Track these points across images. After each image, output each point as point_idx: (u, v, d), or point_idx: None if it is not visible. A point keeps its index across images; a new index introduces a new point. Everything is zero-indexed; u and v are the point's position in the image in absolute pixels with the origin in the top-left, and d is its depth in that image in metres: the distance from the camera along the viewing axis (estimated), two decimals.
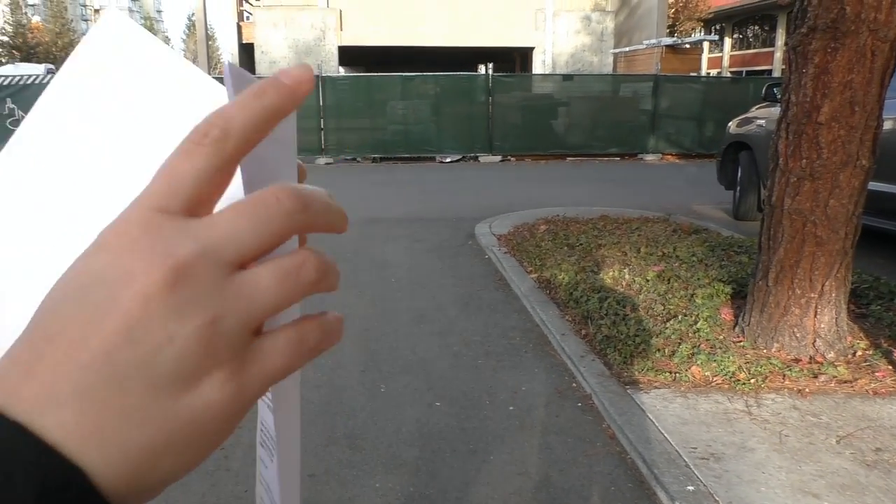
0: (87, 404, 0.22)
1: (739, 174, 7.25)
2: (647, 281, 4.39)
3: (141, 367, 0.23)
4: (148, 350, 0.23)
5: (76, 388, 0.22)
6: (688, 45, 17.77)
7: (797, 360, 3.22)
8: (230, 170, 0.26)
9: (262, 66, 18.94)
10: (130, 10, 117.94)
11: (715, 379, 3.09)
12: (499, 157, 14.19)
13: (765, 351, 3.32)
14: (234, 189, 0.28)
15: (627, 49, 18.98)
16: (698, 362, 3.20)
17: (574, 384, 3.23)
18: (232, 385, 0.24)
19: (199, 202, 0.25)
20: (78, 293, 0.23)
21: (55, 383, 0.22)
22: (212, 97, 0.36)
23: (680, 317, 3.75)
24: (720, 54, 37.22)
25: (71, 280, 0.24)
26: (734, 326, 3.62)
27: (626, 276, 4.52)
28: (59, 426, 0.22)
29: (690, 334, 3.53)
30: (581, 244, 5.56)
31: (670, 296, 4.09)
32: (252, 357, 0.25)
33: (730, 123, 7.69)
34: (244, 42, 21.07)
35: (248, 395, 0.25)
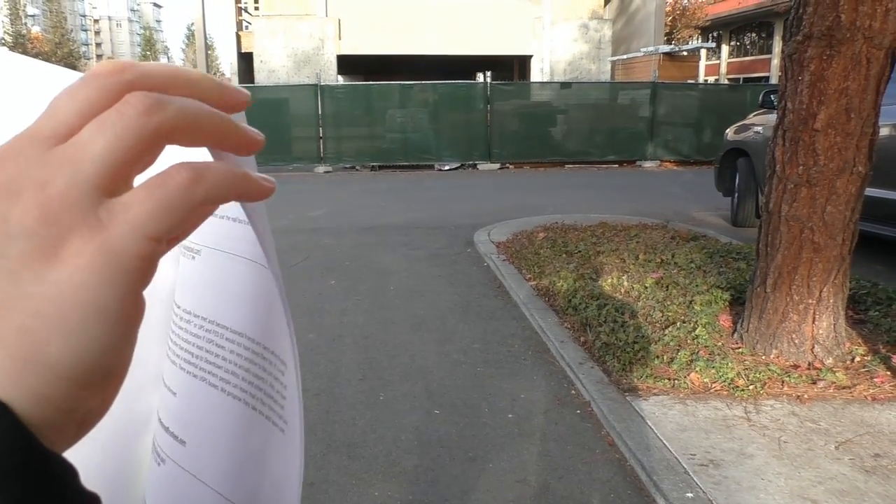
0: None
1: (737, 181, 7.27)
2: (646, 288, 4.40)
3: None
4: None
5: None
6: (685, 53, 17.86)
7: (796, 367, 3.22)
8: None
9: (260, 74, 18.98)
10: (130, 21, 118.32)
11: (714, 385, 3.09)
12: (497, 165, 14.21)
13: (763, 357, 3.32)
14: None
15: (625, 57, 19.06)
16: (697, 369, 3.20)
17: (573, 391, 3.23)
18: (93, 244, 0.23)
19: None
20: None
21: None
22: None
23: (678, 323, 3.75)
24: (717, 61, 37.34)
25: None
26: (733, 333, 3.62)
27: (625, 283, 4.53)
28: None
29: (689, 341, 3.54)
30: (580, 251, 5.56)
31: (669, 303, 4.10)
32: (109, 212, 0.23)
33: (727, 130, 7.72)
34: (243, 51, 21.11)
35: (120, 249, 0.23)
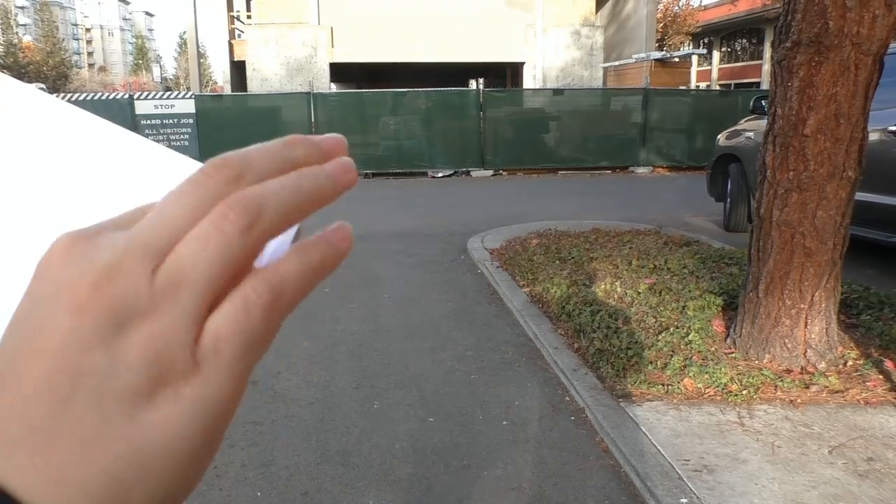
0: (39, 441, 0.20)
1: (729, 186, 7.30)
2: (639, 294, 4.41)
3: (84, 389, 0.21)
4: (88, 368, 0.21)
5: (26, 425, 0.20)
6: (677, 59, 17.92)
7: (788, 371, 3.23)
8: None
9: (253, 83, 18.98)
10: (122, 30, 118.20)
11: (707, 391, 3.10)
12: (491, 172, 14.24)
13: (756, 362, 3.33)
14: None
15: (617, 63, 19.13)
16: (690, 374, 3.21)
17: (567, 398, 3.23)
18: (189, 390, 0.22)
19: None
20: (18, 324, 0.22)
21: (5, 424, 0.20)
22: (93, 133, 0.35)
23: (672, 329, 3.76)
24: (709, 67, 37.58)
25: (14, 315, 0.22)
26: (726, 338, 3.63)
27: (618, 289, 4.54)
28: (17, 470, 0.20)
29: (682, 346, 3.54)
30: (573, 257, 5.57)
31: (662, 308, 4.11)
32: (204, 353, 0.22)
33: (719, 136, 7.75)
34: (236, 59, 21.12)
35: (216, 396, 0.22)
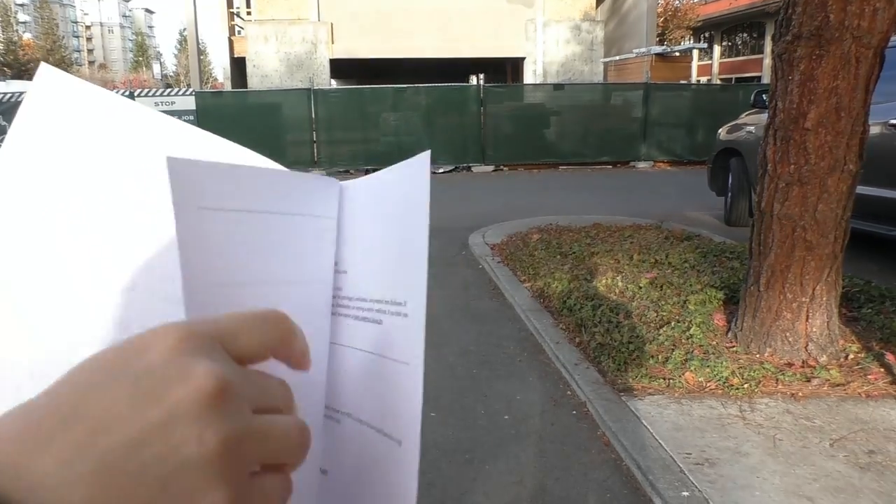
0: (98, 489, 0.22)
1: (730, 180, 7.30)
2: (640, 288, 4.41)
3: (164, 462, 0.23)
4: (176, 445, 0.23)
5: (95, 468, 0.22)
6: (677, 53, 17.90)
7: (790, 365, 3.24)
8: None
9: (253, 79, 18.96)
10: (122, 27, 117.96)
11: (708, 384, 3.10)
12: (491, 167, 14.24)
13: (758, 355, 3.34)
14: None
15: (618, 58, 19.11)
16: (692, 368, 3.21)
17: (569, 392, 3.23)
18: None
19: (245, 361, 0.28)
20: (124, 379, 0.24)
21: (73, 461, 0.22)
22: (151, 129, 0.36)
23: (673, 323, 3.76)
24: (710, 62, 37.49)
25: (112, 365, 0.24)
26: (727, 332, 3.64)
27: (619, 284, 4.54)
28: (41, 475, 0.21)
29: (684, 340, 3.55)
30: (574, 252, 5.58)
31: (663, 302, 4.11)
32: (249, 491, 0.26)
33: (720, 130, 7.74)
34: (236, 56, 21.09)
35: None
